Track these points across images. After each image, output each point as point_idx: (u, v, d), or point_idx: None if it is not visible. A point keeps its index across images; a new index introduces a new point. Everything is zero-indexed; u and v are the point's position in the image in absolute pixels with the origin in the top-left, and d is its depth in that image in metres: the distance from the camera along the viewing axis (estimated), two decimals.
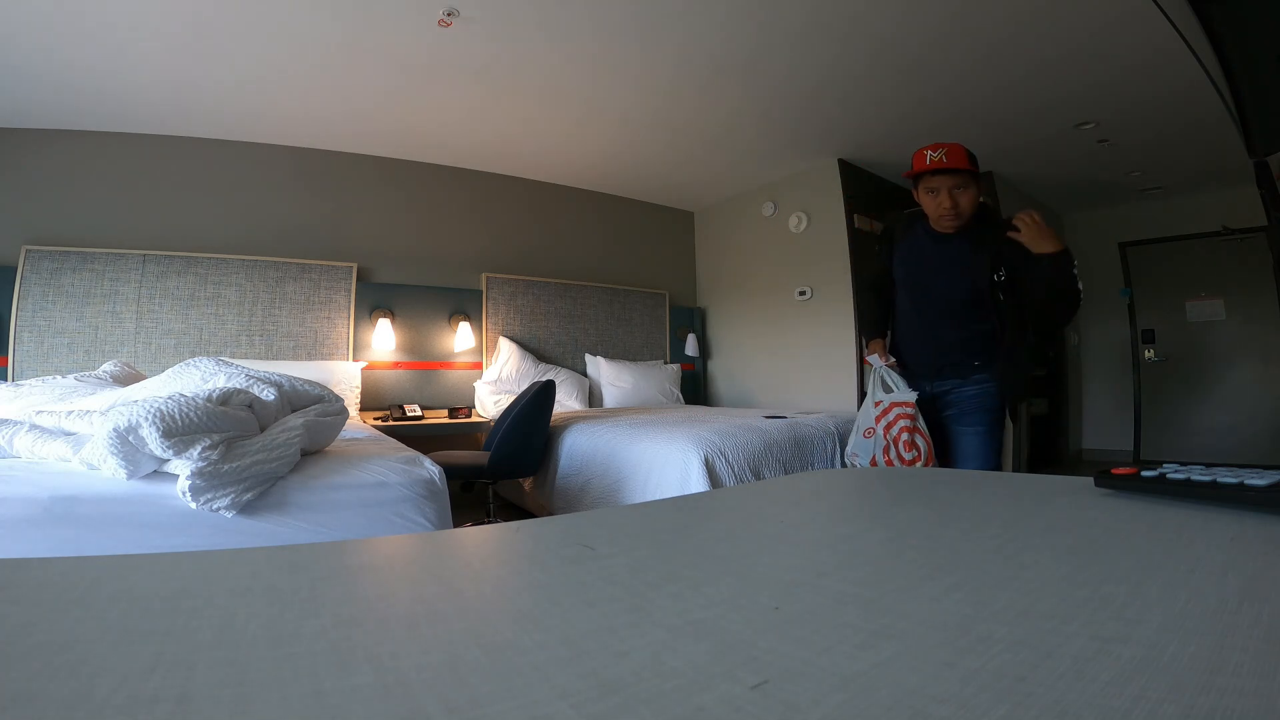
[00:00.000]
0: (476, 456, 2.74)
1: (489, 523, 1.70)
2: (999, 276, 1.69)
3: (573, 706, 0.18)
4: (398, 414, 3.44)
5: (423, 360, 3.89)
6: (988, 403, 1.77)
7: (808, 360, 4.26)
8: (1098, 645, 0.21)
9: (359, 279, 3.73)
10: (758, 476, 2.41)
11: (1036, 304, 1.70)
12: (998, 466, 1.87)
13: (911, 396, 1.84)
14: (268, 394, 1.74)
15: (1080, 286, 1.63)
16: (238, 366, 1.86)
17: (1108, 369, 5.38)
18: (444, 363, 3.95)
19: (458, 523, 1.84)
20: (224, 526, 1.41)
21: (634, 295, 4.73)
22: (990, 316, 1.73)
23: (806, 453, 2.65)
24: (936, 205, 1.73)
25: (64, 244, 3.06)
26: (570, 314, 4.41)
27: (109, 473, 1.39)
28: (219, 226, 3.45)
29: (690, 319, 5.01)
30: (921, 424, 1.81)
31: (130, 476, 1.39)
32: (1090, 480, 0.51)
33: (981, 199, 1.80)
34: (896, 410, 1.85)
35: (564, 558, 0.35)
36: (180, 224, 3.35)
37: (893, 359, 1.94)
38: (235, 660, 0.21)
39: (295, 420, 1.73)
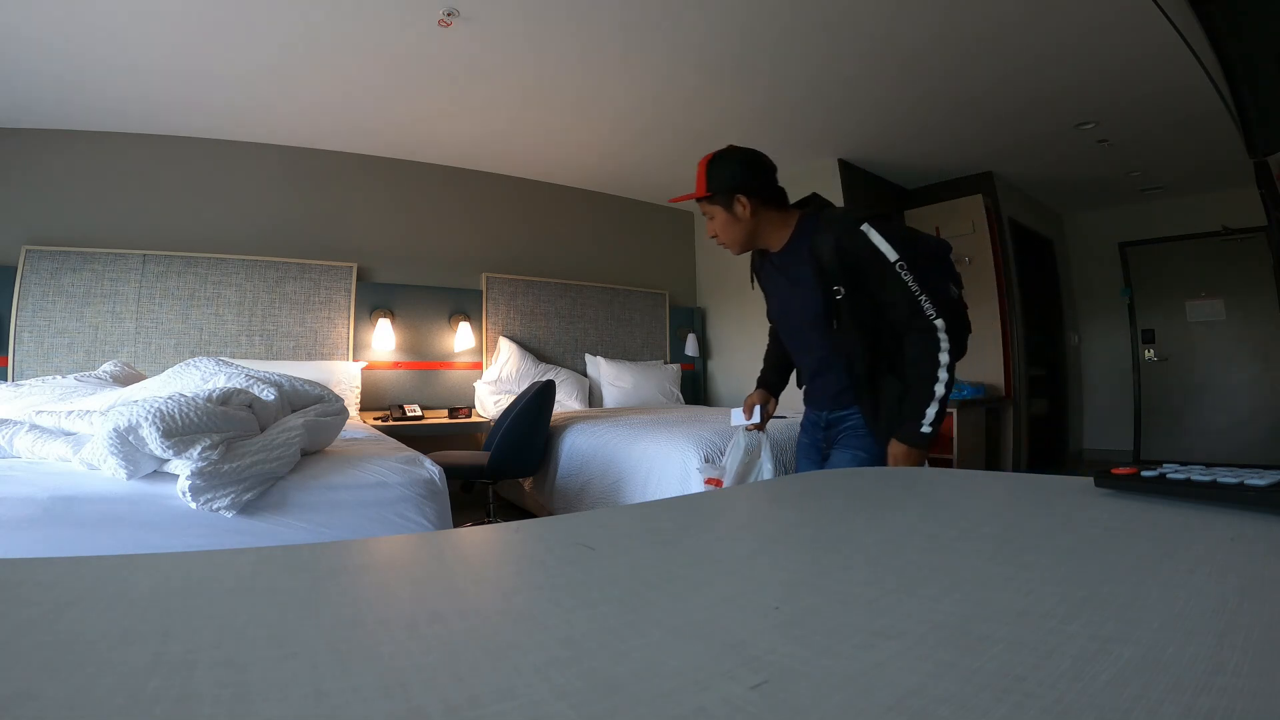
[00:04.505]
0: (476, 456, 2.74)
1: (489, 523, 1.70)
2: (839, 293, 1.39)
3: (573, 707, 0.18)
4: (398, 414, 3.44)
5: (423, 360, 3.89)
6: (862, 433, 1.49)
7: None
8: (1098, 645, 0.21)
9: (359, 279, 3.73)
10: None
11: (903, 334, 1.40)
12: None
13: (719, 473, 1.71)
14: (268, 394, 1.74)
15: (944, 356, 1.33)
16: (238, 366, 1.86)
17: (1108, 369, 5.38)
18: (444, 363, 3.95)
19: (458, 523, 1.84)
20: (224, 526, 1.41)
21: (634, 295, 4.73)
22: (845, 341, 1.43)
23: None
24: None
25: (64, 244, 3.06)
26: (570, 314, 4.41)
27: (109, 473, 1.39)
28: (219, 226, 3.45)
29: (690, 319, 5.01)
30: None
31: (130, 476, 1.39)
32: (1090, 480, 0.51)
33: (815, 195, 1.53)
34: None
35: (564, 558, 0.35)
36: (180, 224, 3.35)
37: (756, 420, 1.69)
38: (235, 660, 0.21)
39: (295, 420, 1.73)
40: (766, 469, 1.67)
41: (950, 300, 1.36)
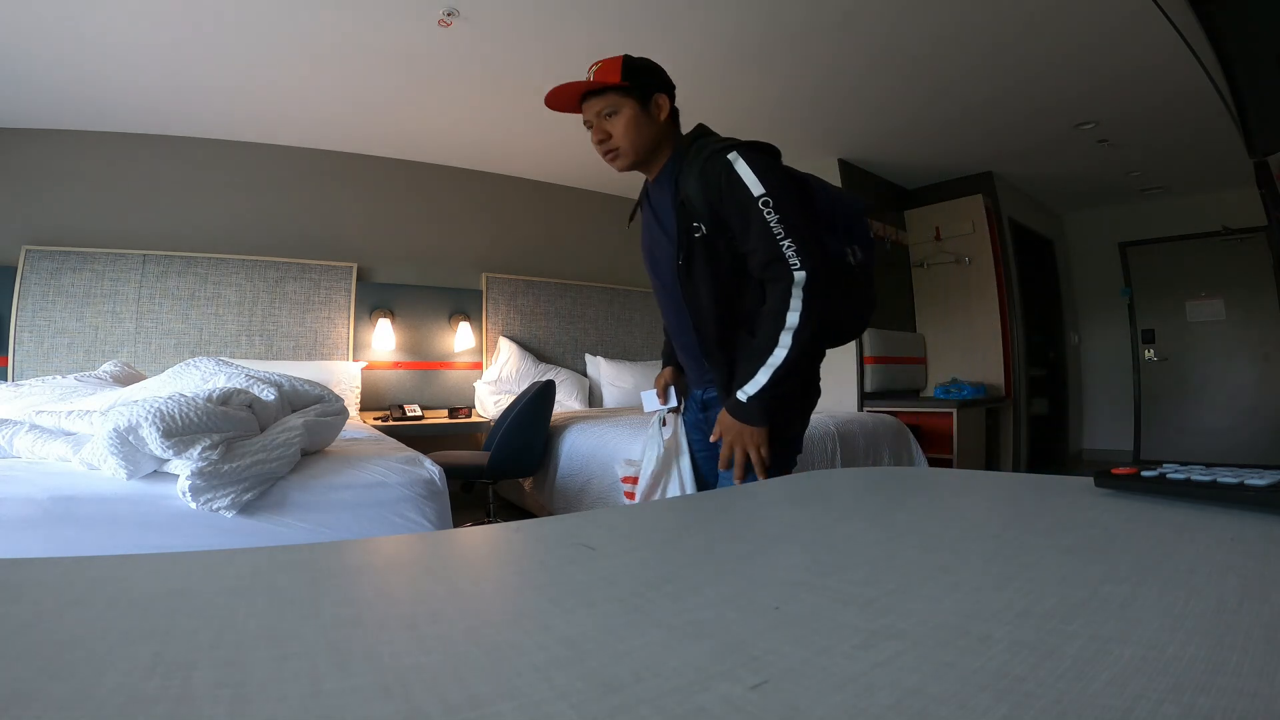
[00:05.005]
0: (476, 456, 2.74)
1: (489, 523, 1.70)
2: (697, 230, 1.15)
3: (573, 706, 0.18)
4: (398, 414, 3.44)
5: (423, 360, 3.89)
6: None
7: None
8: (1098, 645, 0.21)
9: (359, 279, 3.73)
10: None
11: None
12: None
13: (636, 470, 1.41)
14: (268, 394, 1.74)
15: (792, 316, 1.07)
16: (238, 367, 1.86)
17: (1108, 369, 5.38)
18: (444, 363, 3.95)
19: (458, 523, 1.84)
20: (224, 526, 1.41)
21: (634, 295, 4.73)
22: (695, 291, 1.18)
23: (806, 453, 2.65)
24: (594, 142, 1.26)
25: (64, 244, 3.06)
26: (570, 314, 4.41)
27: (109, 473, 1.39)
28: (219, 226, 3.45)
29: None
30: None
31: (130, 476, 1.39)
32: (1090, 480, 0.51)
33: (701, 125, 1.28)
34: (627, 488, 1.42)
35: (564, 558, 0.35)
36: (180, 224, 3.35)
37: (673, 403, 1.41)
38: (235, 660, 0.21)
39: (295, 420, 1.73)
40: (685, 471, 1.38)
41: (831, 256, 1.14)
